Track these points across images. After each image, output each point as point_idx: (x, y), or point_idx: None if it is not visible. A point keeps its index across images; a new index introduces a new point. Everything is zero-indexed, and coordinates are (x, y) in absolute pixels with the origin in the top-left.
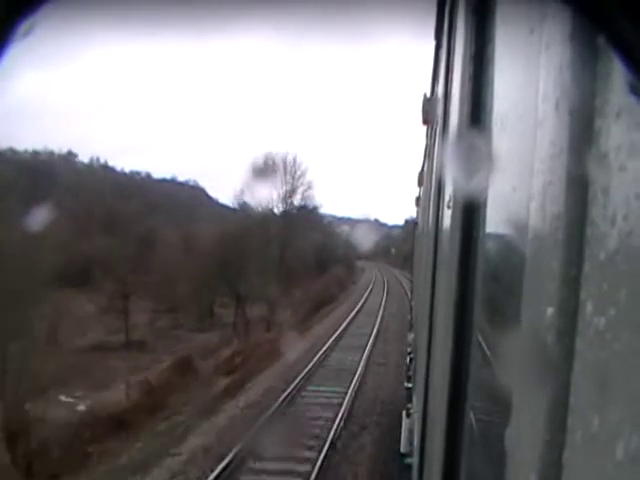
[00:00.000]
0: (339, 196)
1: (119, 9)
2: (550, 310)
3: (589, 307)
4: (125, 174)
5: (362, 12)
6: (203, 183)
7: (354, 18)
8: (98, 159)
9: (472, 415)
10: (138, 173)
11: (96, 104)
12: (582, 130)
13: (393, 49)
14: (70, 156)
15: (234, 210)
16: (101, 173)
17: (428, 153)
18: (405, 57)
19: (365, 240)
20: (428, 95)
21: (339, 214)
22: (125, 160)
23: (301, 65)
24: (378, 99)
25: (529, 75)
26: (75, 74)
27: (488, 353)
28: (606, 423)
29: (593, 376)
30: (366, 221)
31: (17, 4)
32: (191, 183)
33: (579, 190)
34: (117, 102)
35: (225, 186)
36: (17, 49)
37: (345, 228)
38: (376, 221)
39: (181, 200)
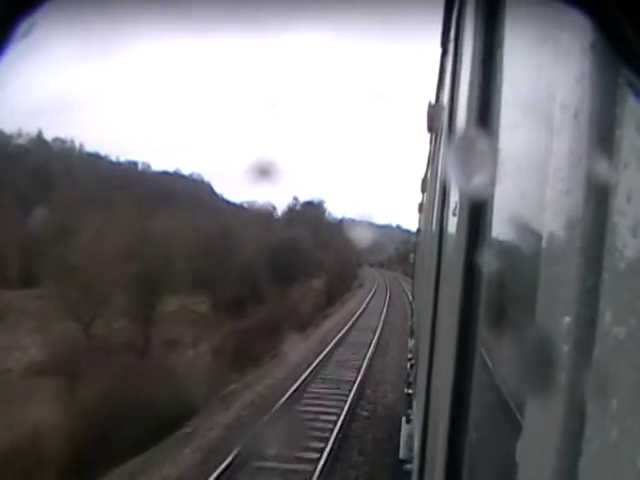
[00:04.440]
0: (362, 202)
1: (118, 9)
2: (567, 319)
3: (608, 316)
4: (119, 164)
5: (368, 17)
6: (209, 178)
7: (360, 23)
8: (82, 146)
9: (475, 423)
10: (134, 163)
11: (112, 100)
12: (602, 139)
13: (400, 56)
14: (55, 142)
15: (236, 206)
16: (86, 161)
17: (432, 160)
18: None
19: (381, 245)
20: (433, 102)
21: (358, 218)
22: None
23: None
24: (399, 104)
25: (543, 84)
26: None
27: (493, 361)
28: (626, 432)
29: (612, 385)
30: (388, 226)
31: (17, 4)
32: (195, 177)
33: (598, 199)
34: (127, 98)
35: (231, 182)
36: (24, 48)
37: (365, 231)
38: (398, 227)
39: (178, 194)
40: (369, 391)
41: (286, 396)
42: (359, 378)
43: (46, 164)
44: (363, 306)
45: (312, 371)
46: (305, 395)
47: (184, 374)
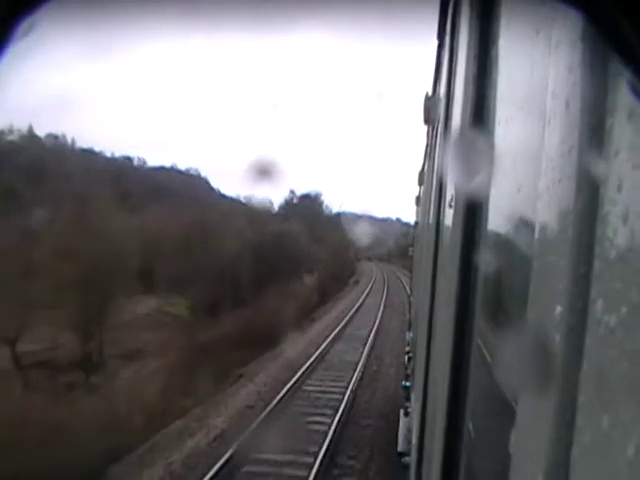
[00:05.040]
0: (361, 195)
1: (118, 9)
2: (559, 308)
3: (599, 305)
4: (115, 160)
5: (366, 10)
6: (207, 174)
7: (357, 16)
8: (74, 141)
9: (472, 414)
10: (130, 159)
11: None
12: (593, 128)
13: (396, 49)
14: (49, 138)
15: (233, 201)
16: (80, 157)
17: (429, 152)
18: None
19: (380, 239)
20: (430, 94)
21: (357, 211)
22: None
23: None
24: (397, 98)
25: (536, 75)
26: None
27: (489, 352)
28: (617, 421)
29: (603, 374)
30: (387, 219)
31: (17, 4)
32: (192, 172)
33: (589, 188)
34: (130, 97)
35: (231, 180)
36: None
37: (364, 225)
38: (398, 220)
39: (173, 189)
40: (348, 447)
41: (218, 466)
42: (334, 424)
43: (39, 160)
44: (357, 307)
45: (273, 409)
46: (248, 465)
47: (124, 405)
